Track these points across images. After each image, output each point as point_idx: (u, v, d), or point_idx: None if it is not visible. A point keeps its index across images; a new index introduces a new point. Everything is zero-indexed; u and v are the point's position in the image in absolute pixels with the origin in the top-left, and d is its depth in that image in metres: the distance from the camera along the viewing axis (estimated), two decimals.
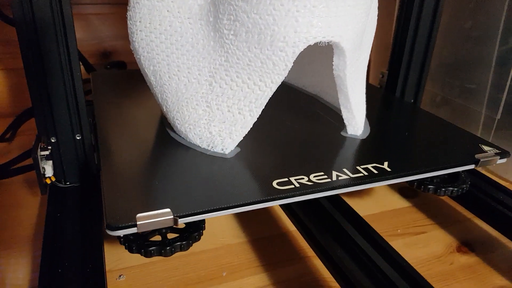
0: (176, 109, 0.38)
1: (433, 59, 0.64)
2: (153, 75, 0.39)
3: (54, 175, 0.43)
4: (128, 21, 0.39)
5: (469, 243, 0.47)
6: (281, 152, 0.39)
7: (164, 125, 0.43)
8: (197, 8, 0.36)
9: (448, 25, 0.66)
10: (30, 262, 0.41)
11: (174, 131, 0.41)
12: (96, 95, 0.53)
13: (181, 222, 0.29)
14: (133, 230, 0.27)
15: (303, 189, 0.32)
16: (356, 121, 0.42)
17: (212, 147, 0.38)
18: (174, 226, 0.29)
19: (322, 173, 0.35)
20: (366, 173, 0.35)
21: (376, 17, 0.42)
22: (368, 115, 0.46)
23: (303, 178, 0.34)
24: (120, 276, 0.40)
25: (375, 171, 0.36)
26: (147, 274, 0.40)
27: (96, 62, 0.77)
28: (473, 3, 0.61)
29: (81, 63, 0.55)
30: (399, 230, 0.49)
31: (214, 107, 0.36)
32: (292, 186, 0.32)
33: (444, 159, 0.39)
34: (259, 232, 0.47)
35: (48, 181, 0.42)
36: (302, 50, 0.32)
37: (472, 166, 0.39)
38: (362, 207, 0.52)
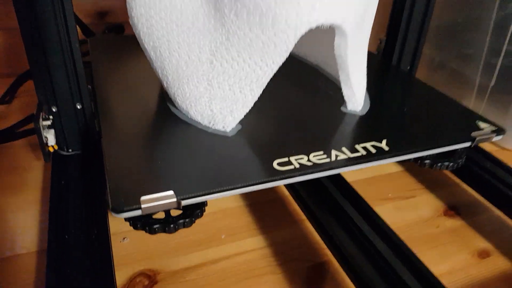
0: (177, 85, 0.39)
1: (432, 21, 0.64)
2: (153, 50, 0.39)
3: (56, 143, 0.44)
4: (127, 3, 0.38)
5: (455, 207, 0.50)
6: (282, 129, 0.40)
7: (165, 99, 0.43)
8: None
9: None
10: (37, 225, 0.43)
11: (175, 106, 0.41)
12: (95, 62, 0.53)
13: (184, 204, 0.30)
14: (138, 212, 0.29)
15: (303, 169, 0.34)
16: (356, 98, 0.42)
17: (213, 125, 0.38)
18: None
19: (322, 152, 0.36)
20: (364, 152, 0.36)
21: None
22: (367, 87, 0.46)
23: (302, 158, 0.35)
24: (124, 238, 0.42)
25: (373, 150, 0.37)
26: (149, 236, 0.43)
27: (92, 22, 0.76)
28: None
29: (78, 27, 0.55)
30: (390, 194, 0.51)
31: (215, 85, 0.37)
32: (292, 167, 0.34)
33: (440, 137, 0.40)
34: (256, 196, 0.49)
35: (51, 149, 0.43)
36: (304, 33, 0.33)
37: (468, 144, 0.40)
38: (356, 171, 0.54)
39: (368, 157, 0.36)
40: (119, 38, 0.61)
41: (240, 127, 0.39)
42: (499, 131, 0.42)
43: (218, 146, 0.36)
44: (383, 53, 0.59)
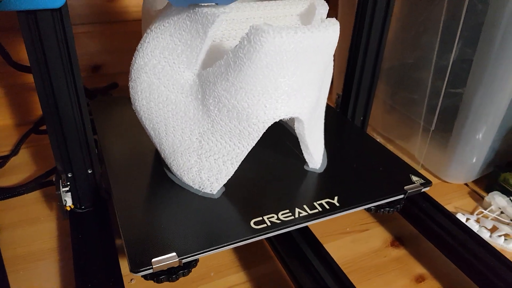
0: (173, 157, 0.49)
1: (384, 67, 0.76)
2: (153, 130, 0.49)
3: (72, 203, 0.53)
4: (130, 89, 0.48)
5: (400, 239, 0.61)
6: (257, 189, 0.50)
7: (162, 164, 0.53)
8: (188, 86, 0.45)
9: (396, 35, 0.77)
10: (57, 271, 0.53)
11: (171, 172, 0.51)
12: (98, 123, 0.62)
13: (184, 261, 0.40)
14: (150, 271, 0.39)
15: (274, 227, 0.44)
16: (314, 160, 0.53)
17: (202, 189, 0.48)
18: None
19: (288, 211, 0.46)
20: (320, 209, 0.47)
21: (332, 70, 0.53)
22: (327, 143, 0.57)
23: (273, 216, 0.45)
24: (131, 280, 0.52)
25: (327, 207, 0.47)
26: None
27: (87, 75, 0.85)
28: (418, 16, 0.72)
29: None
30: (348, 228, 0.62)
31: (204, 159, 0.47)
32: (265, 225, 0.44)
33: (380, 191, 0.51)
34: None
35: (68, 208, 0.53)
36: (270, 124, 0.43)
37: (401, 196, 0.51)
38: None
39: (323, 213, 0.47)
40: (119, 100, 0.69)
41: (224, 189, 0.49)
42: (426, 184, 0.53)
43: (207, 208, 0.46)
44: (340, 106, 0.70)
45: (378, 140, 0.86)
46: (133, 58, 0.47)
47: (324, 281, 0.46)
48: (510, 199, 0.66)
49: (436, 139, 0.73)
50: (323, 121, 0.55)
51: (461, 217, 0.63)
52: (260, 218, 0.45)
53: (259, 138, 0.44)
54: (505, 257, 0.51)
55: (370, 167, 0.56)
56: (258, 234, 0.43)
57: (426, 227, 0.57)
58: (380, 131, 0.87)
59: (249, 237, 0.43)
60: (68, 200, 0.52)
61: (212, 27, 0.41)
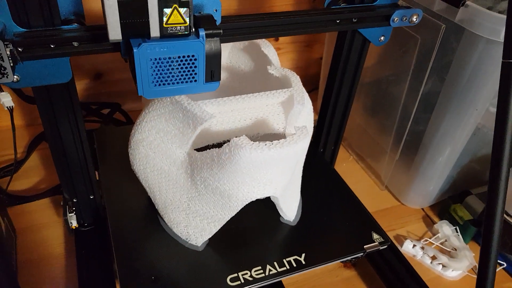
0: (164, 211, 0.56)
1: (362, 91, 0.83)
2: (148, 188, 0.57)
3: (76, 223, 0.64)
4: (129, 155, 0.56)
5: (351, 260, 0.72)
6: (236, 241, 0.57)
7: (156, 212, 0.58)
8: (179, 161, 0.53)
9: (374, 64, 0.84)
10: (64, 276, 0.64)
11: (164, 220, 0.57)
12: (101, 153, 0.69)
13: None
14: None
15: (247, 284, 0.51)
16: (288, 216, 0.60)
17: (189, 240, 0.55)
18: None
19: (260, 268, 0.53)
20: (288, 267, 0.54)
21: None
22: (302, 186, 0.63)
23: (246, 273, 0.52)
24: None
25: (294, 265, 0.54)
26: None
27: (89, 81, 0.93)
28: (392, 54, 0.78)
29: None
30: None
31: (191, 218, 0.54)
32: (239, 282, 0.51)
33: (342, 249, 0.57)
34: None
35: (73, 227, 0.63)
36: (249, 201, 0.50)
37: (361, 254, 0.58)
38: None
39: (290, 271, 0.53)
40: (121, 131, 0.75)
41: (207, 241, 0.56)
42: (384, 243, 0.59)
43: (191, 261, 0.54)
44: (314, 136, 0.78)
45: (351, 157, 0.95)
46: (133, 130, 0.55)
47: None
48: (455, 228, 0.76)
49: (399, 166, 0.82)
50: (299, 180, 0.62)
51: (409, 244, 0.73)
52: (235, 275, 0.52)
53: (239, 209, 0.52)
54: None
55: (337, 221, 0.62)
56: None
57: (371, 255, 0.68)
58: (354, 148, 0.95)
59: None
60: (74, 222, 0.63)
61: (201, 126, 0.48)
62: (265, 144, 0.45)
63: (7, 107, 0.49)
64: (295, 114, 0.52)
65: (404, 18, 0.55)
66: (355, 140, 0.95)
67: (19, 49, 0.42)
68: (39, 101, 0.50)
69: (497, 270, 0.71)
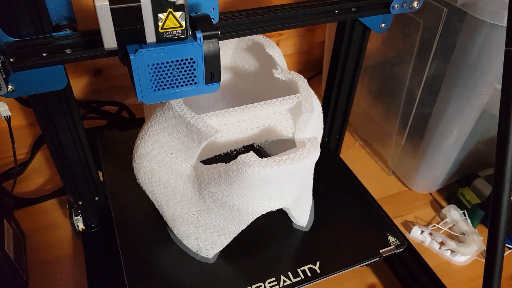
0: (173, 224, 0.54)
1: (366, 77, 0.82)
2: (155, 201, 0.55)
3: (83, 225, 0.64)
4: (134, 169, 0.54)
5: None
6: (248, 251, 0.55)
7: (165, 223, 0.57)
8: (185, 175, 0.51)
9: (377, 49, 0.82)
10: (73, 277, 0.65)
11: (173, 232, 0.56)
12: (105, 159, 0.68)
13: None
14: None
15: None
16: (301, 222, 0.58)
17: (200, 253, 0.54)
18: None
19: (274, 279, 0.51)
20: (303, 277, 0.52)
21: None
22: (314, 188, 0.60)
23: (260, 286, 0.51)
24: None
25: (309, 274, 0.52)
26: None
27: (89, 78, 0.92)
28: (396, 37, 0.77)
29: None
30: None
31: (201, 231, 0.52)
32: None
33: (358, 255, 0.55)
34: None
35: (80, 229, 0.64)
36: (258, 215, 0.49)
37: (377, 259, 0.56)
38: None
39: (305, 281, 0.52)
40: (125, 137, 0.74)
41: (219, 253, 0.54)
42: (401, 245, 0.57)
43: (202, 272, 0.52)
44: None
45: (357, 143, 0.94)
46: (136, 144, 0.53)
47: None
48: (463, 212, 0.76)
49: (406, 150, 0.81)
50: (311, 186, 0.60)
51: (417, 230, 0.73)
52: None
53: (250, 222, 0.51)
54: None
55: (351, 224, 0.60)
56: None
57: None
58: (360, 134, 0.94)
59: None
60: (80, 225, 0.63)
61: (206, 141, 0.47)
62: (274, 160, 0.44)
63: (4, 116, 0.49)
64: (304, 121, 0.50)
65: (405, 5, 0.53)
66: (360, 125, 0.94)
67: (11, 60, 0.41)
68: (35, 108, 0.50)
69: (506, 253, 0.70)
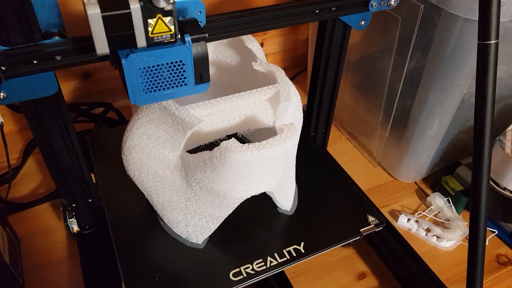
0: (163, 213, 0.57)
1: (350, 71, 0.84)
2: (145, 191, 0.57)
3: (78, 227, 0.65)
4: (123, 161, 0.56)
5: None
6: (236, 235, 0.58)
7: (155, 213, 0.59)
8: (173, 165, 0.53)
9: (358, 46, 0.85)
10: (69, 279, 0.66)
11: (163, 221, 0.59)
12: (95, 156, 0.69)
13: None
14: None
15: (249, 277, 0.52)
16: (285, 206, 0.61)
17: (189, 239, 0.56)
18: None
19: (261, 260, 0.54)
20: (288, 257, 0.55)
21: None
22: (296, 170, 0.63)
23: (248, 267, 0.53)
24: None
25: (294, 254, 0.55)
26: None
27: (79, 81, 0.92)
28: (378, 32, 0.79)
29: None
30: None
31: (190, 218, 0.55)
32: (242, 277, 0.52)
33: (339, 235, 0.59)
34: None
35: (75, 232, 0.65)
36: (244, 199, 0.52)
37: (358, 237, 0.59)
38: None
39: (291, 260, 0.55)
40: (114, 131, 0.75)
41: (208, 238, 0.57)
42: (380, 224, 0.60)
43: (193, 258, 0.54)
44: (305, 120, 0.79)
45: (343, 136, 0.96)
46: (124, 137, 0.55)
47: None
48: (447, 200, 0.79)
49: (390, 142, 0.84)
50: (293, 170, 0.62)
51: (403, 218, 0.75)
52: (238, 270, 0.54)
53: (235, 207, 0.53)
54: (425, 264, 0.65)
55: (333, 207, 0.63)
56: (236, 285, 0.53)
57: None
58: (346, 127, 0.97)
59: None
60: (75, 227, 0.64)
61: (190, 131, 0.49)
62: (254, 145, 0.46)
63: None
64: (282, 109, 0.53)
65: (383, 3, 0.56)
66: (346, 119, 0.96)
67: (2, 68, 0.42)
68: (27, 114, 0.50)
69: (489, 237, 0.74)
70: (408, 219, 0.76)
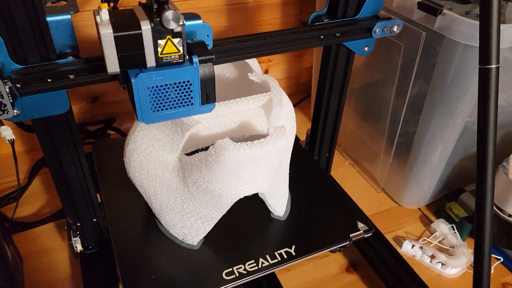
0: (161, 215, 0.59)
1: (353, 98, 0.85)
2: (144, 193, 0.59)
3: (81, 246, 0.65)
4: (125, 163, 0.58)
5: (354, 264, 0.73)
6: (230, 237, 0.61)
7: (154, 215, 0.63)
8: (171, 166, 0.56)
9: (361, 73, 0.86)
10: None
11: (161, 223, 0.61)
12: (99, 166, 0.71)
13: None
14: None
15: (241, 277, 0.55)
16: (277, 211, 0.63)
17: (185, 240, 0.59)
18: None
19: (253, 261, 0.57)
20: (280, 258, 0.57)
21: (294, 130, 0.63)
22: (292, 183, 0.66)
23: (241, 267, 0.56)
24: None
25: (285, 256, 0.57)
26: None
27: (86, 104, 0.94)
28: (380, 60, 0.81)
29: None
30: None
31: (186, 219, 0.58)
32: (234, 276, 0.55)
33: (329, 239, 0.61)
34: None
35: (78, 251, 0.65)
36: (238, 199, 0.54)
37: (347, 243, 0.62)
38: None
39: (282, 262, 0.57)
40: (118, 142, 0.77)
41: (203, 239, 0.60)
42: (369, 230, 0.62)
43: (188, 259, 0.57)
44: (309, 144, 0.80)
45: (347, 162, 0.97)
46: (127, 140, 0.57)
47: None
48: (452, 226, 0.78)
49: (394, 168, 0.84)
50: (287, 176, 0.65)
51: (408, 245, 0.75)
52: (230, 269, 0.56)
53: (230, 206, 0.55)
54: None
55: (324, 214, 0.65)
56: (228, 284, 0.55)
57: (371, 259, 0.69)
58: (349, 153, 0.97)
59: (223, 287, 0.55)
60: (78, 246, 0.64)
61: (188, 132, 0.51)
62: (247, 144, 0.49)
63: (8, 140, 0.51)
64: (275, 115, 0.55)
65: (386, 29, 0.57)
66: (349, 145, 0.97)
67: (18, 85, 0.43)
68: (38, 132, 0.52)
69: (494, 264, 0.73)
70: (413, 246, 0.75)
